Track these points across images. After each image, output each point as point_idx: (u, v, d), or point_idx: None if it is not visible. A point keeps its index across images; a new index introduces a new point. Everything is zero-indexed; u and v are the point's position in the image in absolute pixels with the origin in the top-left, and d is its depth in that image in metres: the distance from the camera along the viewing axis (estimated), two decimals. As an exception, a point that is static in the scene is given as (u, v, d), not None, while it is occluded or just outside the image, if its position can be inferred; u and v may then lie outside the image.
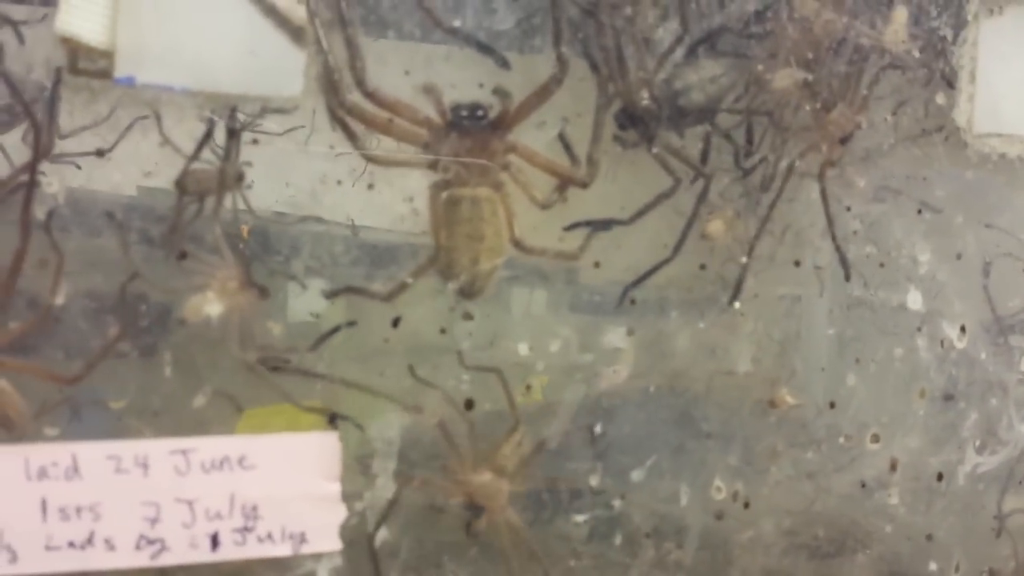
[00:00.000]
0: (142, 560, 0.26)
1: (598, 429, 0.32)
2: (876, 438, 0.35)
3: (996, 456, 0.38)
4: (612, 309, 0.32)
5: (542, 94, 0.31)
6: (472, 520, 0.31)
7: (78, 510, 0.26)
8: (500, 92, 0.31)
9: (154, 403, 0.27)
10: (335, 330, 0.29)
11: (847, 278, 0.35)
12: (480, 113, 0.30)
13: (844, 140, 0.35)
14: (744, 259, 0.34)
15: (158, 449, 0.26)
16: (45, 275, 0.26)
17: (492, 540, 0.31)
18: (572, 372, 0.31)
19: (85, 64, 0.26)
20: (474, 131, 0.30)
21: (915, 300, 0.36)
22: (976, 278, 0.37)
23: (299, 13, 0.27)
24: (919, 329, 0.36)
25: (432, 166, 0.30)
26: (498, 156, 0.31)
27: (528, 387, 0.31)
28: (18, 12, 0.27)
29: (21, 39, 0.27)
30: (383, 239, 0.30)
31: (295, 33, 0.27)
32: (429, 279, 0.30)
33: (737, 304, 0.33)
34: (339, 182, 0.29)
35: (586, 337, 0.32)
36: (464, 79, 0.30)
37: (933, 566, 0.36)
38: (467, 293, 0.30)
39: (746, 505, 0.33)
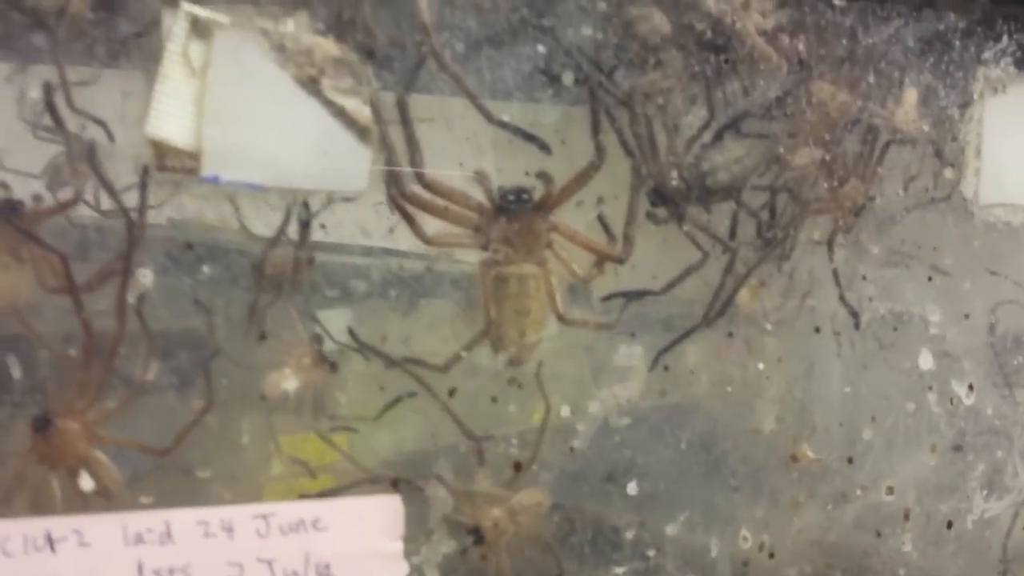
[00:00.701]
0: (226, 618, 0.29)
1: (632, 488, 0.35)
2: (891, 490, 0.38)
3: (1001, 502, 0.41)
4: (646, 374, 0.35)
5: (582, 179, 0.33)
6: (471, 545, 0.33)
7: (171, 571, 0.28)
8: (543, 177, 0.33)
9: (235, 470, 0.30)
10: (397, 400, 0.31)
11: (857, 325, 0.38)
12: (525, 197, 0.33)
13: (857, 212, 0.38)
14: (768, 326, 0.36)
15: (242, 514, 0.29)
16: (137, 355, 0.29)
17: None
18: (610, 434, 0.34)
19: (172, 163, 0.29)
20: (520, 213, 0.33)
21: (926, 360, 0.38)
22: (983, 337, 0.40)
23: (365, 114, 0.30)
24: (930, 388, 0.38)
25: (483, 246, 0.32)
26: (542, 236, 0.33)
27: (571, 448, 0.34)
28: (108, 112, 0.30)
29: (111, 138, 0.30)
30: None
31: (361, 132, 0.30)
32: (481, 350, 0.32)
33: (762, 368, 0.36)
34: (401, 266, 0.31)
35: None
36: (510, 165, 0.33)
37: (943, 609, 0.39)
38: (515, 363, 0.33)
39: (771, 555, 0.36)
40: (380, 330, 0.31)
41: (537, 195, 0.33)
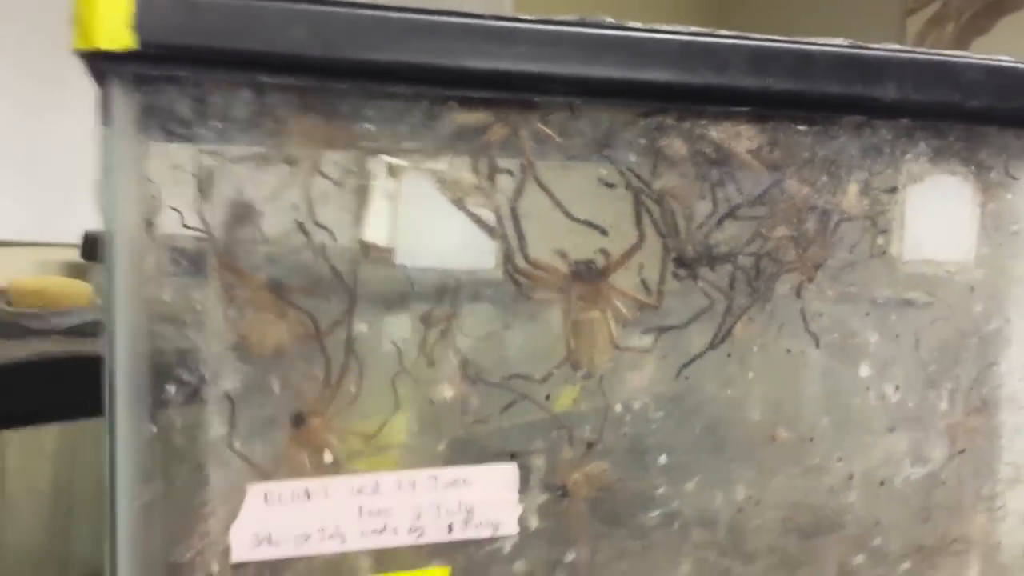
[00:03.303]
0: (411, 540, 0.46)
1: (663, 459, 0.51)
2: (840, 459, 0.54)
3: (923, 468, 0.57)
4: (672, 383, 0.51)
5: (629, 253, 0.50)
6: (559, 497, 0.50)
7: (379, 512, 0.45)
8: (603, 252, 0.50)
9: (410, 444, 0.46)
10: (511, 404, 0.48)
11: (817, 345, 0.54)
12: (592, 267, 0.49)
13: (817, 267, 0.54)
14: (755, 348, 0.53)
15: (421, 475, 0.46)
16: (353, 376, 0.46)
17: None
18: (648, 424, 0.51)
19: (375, 256, 0.45)
20: (588, 278, 0.49)
21: (865, 370, 0.55)
22: (908, 352, 0.56)
23: (492, 219, 0.47)
24: (868, 388, 0.55)
25: (566, 301, 0.49)
26: (603, 293, 0.50)
27: (624, 433, 0.50)
28: (327, 219, 0.46)
29: (334, 238, 0.46)
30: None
31: (490, 231, 0.47)
32: (564, 369, 0.49)
33: (751, 376, 0.53)
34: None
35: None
36: (581, 244, 0.50)
37: (878, 541, 0.56)
38: (587, 376, 0.50)
39: (756, 503, 0.53)
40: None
41: (599, 265, 0.50)
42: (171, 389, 0.44)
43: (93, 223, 1.00)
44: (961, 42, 2.65)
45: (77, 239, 0.98)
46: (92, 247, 0.96)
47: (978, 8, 2.59)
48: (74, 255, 0.98)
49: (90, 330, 0.73)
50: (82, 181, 0.99)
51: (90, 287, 0.80)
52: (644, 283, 0.50)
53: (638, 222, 0.49)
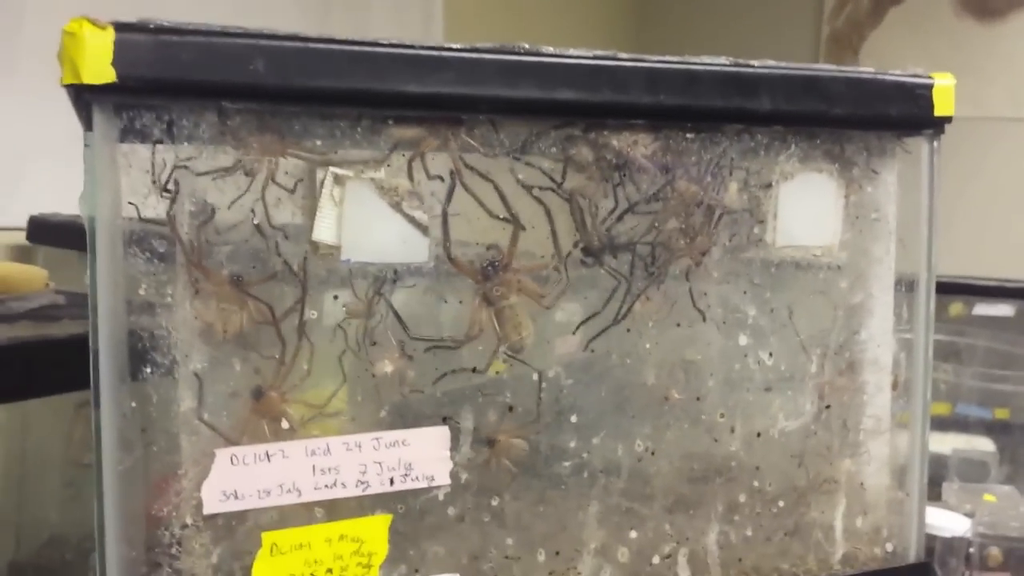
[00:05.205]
0: (358, 492, 0.54)
1: (574, 418, 0.60)
2: (723, 415, 0.64)
3: (795, 422, 0.67)
4: (583, 350, 0.60)
5: (513, 242, 0.57)
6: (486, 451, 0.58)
7: (330, 470, 0.53)
8: (496, 248, 0.57)
9: (355, 412, 0.54)
10: (442, 376, 0.56)
11: (704, 319, 0.64)
12: (496, 264, 0.57)
13: (703, 254, 0.63)
14: (651, 323, 0.62)
15: (365, 438, 0.54)
16: (304, 356, 0.53)
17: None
18: (561, 388, 0.60)
19: (323, 252, 0.53)
20: (494, 272, 0.57)
21: (744, 339, 0.64)
22: (781, 322, 0.66)
23: (425, 219, 0.54)
24: (746, 355, 0.65)
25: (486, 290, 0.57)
26: (511, 282, 0.57)
27: (540, 397, 0.59)
28: (281, 221, 0.53)
29: (287, 237, 0.53)
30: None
31: (423, 230, 0.54)
32: (486, 342, 0.57)
33: (648, 346, 0.62)
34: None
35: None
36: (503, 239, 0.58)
37: (755, 483, 0.66)
38: (513, 349, 0.58)
39: (653, 453, 0.62)
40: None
41: (500, 260, 0.57)
42: (147, 369, 0.51)
43: (39, 207, 1.05)
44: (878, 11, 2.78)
45: (23, 223, 1.02)
46: (38, 231, 1.01)
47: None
48: (21, 238, 1.03)
49: (46, 314, 0.78)
50: (28, 167, 1.04)
51: (44, 273, 0.86)
52: (559, 269, 0.58)
53: (509, 214, 0.56)
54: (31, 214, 1.02)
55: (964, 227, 2.25)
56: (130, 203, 0.50)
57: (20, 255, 1.04)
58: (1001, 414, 1.54)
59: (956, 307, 1.68)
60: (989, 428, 1.50)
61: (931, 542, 0.93)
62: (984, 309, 1.64)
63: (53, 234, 1.00)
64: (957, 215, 2.28)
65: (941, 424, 1.50)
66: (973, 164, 2.49)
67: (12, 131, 1.01)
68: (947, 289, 1.61)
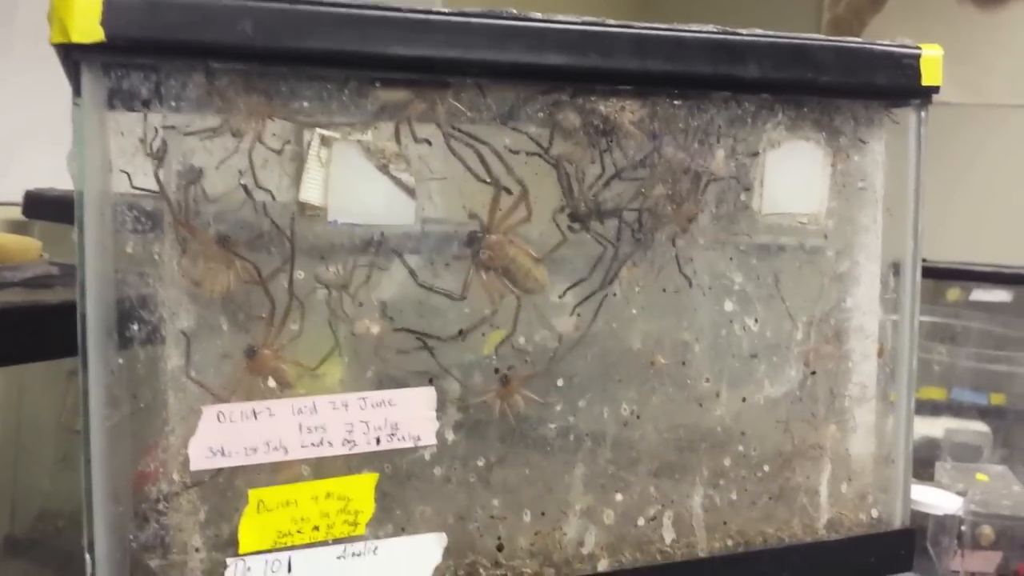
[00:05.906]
0: (344, 451, 0.55)
1: (560, 382, 0.61)
2: (708, 380, 0.65)
3: (779, 388, 0.68)
4: (571, 313, 0.61)
5: (493, 206, 0.58)
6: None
7: (316, 428, 0.54)
8: (475, 216, 0.58)
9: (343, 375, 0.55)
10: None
11: (690, 285, 0.64)
12: (477, 233, 0.57)
13: (690, 220, 0.64)
14: (637, 288, 0.62)
15: (352, 398, 0.54)
16: (295, 314, 0.54)
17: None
18: (548, 353, 0.60)
19: (310, 213, 0.53)
20: (480, 239, 0.57)
21: (730, 305, 0.65)
22: (766, 289, 0.66)
23: (412, 182, 0.55)
24: (731, 321, 0.65)
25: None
26: (502, 246, 0.58)
27: (527, 360, 0.60)
28: (270, 183, 0.54)
29: (273, 197, 0.54)
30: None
31: (410, 192, 0.55)
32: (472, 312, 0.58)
33: (634, 311, 0.62)
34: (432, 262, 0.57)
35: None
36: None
37: (740, 448, 0.67)
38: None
39: (639, 417, 0.63)
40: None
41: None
42: (135, 327, 0.51)
43: (34, 182, 1.05)
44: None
45: (19, 198, 1.03)
46: (34, 205, 1.02)
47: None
48: (17, 213, 1.03)
49: (40, 282, 0.79)
50: (24, 144, 1.04)
51: (39, 243, 0.86)
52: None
53: (489, 175, 0.57)
54: (27, 189, 1.03)
55: (963, 213, 2.25)
56: (122, 171, 0.50)
57: (16, 230, 1.04)
58: (997, 399, 1.55)
59: (954, 292, 1.69)
60: (984, 413, 1.50)
61: (923, 520, 0.94)
62: (981, 295, 1.64)
63: (49, 209, 1.01)
64: (956, 201, 2.29)
65: (936, 408, 1.51)
66: (972, 151, 2.49)
67: (8, 109, 1.01)
68: (945, 275, 1.61)
